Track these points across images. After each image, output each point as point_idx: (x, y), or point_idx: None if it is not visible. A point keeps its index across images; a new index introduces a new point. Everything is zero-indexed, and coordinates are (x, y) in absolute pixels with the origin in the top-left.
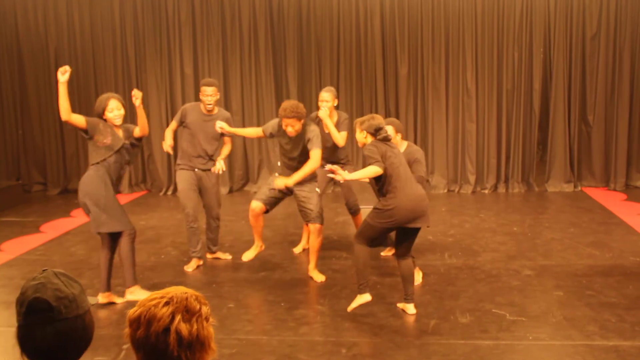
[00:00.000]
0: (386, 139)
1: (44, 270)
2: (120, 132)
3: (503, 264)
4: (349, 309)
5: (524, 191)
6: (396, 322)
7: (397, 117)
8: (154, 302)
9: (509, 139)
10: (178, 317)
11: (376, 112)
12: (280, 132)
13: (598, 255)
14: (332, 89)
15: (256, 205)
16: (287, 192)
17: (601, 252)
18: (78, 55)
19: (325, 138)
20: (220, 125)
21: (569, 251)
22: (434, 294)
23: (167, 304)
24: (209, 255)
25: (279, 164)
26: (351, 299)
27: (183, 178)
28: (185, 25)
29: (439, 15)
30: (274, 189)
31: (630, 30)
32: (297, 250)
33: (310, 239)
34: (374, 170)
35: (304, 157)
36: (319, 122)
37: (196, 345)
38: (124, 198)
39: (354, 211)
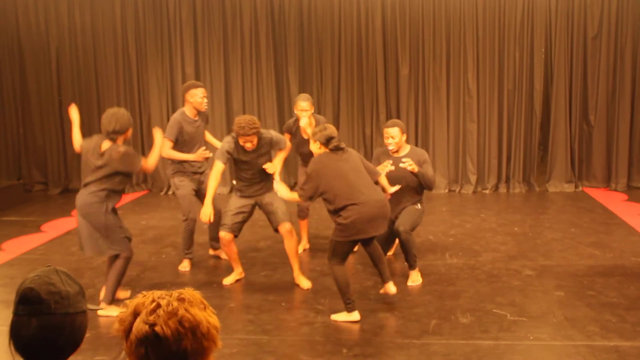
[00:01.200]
0: (337, 149)
1: (47, 266)
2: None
3: (504, 264)
4: (334, 318)
5: (525, 191)
6: (397, 322)
7: (398, 117)
8: (141, 301)
9: (510, 139)
10: (157, 320)
11: (377, 112)
12: (237, 150)
13: (599, 255)
14: (309, 96)
15: (224, 234)
16: (251, 206)
17: (602, 252)
18: (79, 55)
19: (305, 144)
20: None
21: (569, 251)
22: (434, 294)
23: (152, 303)
24: (211, 252)
25: (234, 182)
26: (353, 298)
27: (182, 184)
28: (187, 24)
29: (440, 15)
30: (237, 213)
31: (631, 30)
32: (299, 249)
33: (285, 243)
34: (296, 197)
35: (260, 168)
36: (297, 129)
37: (188, 333)
38: (125, 198)
39: (304, 214)
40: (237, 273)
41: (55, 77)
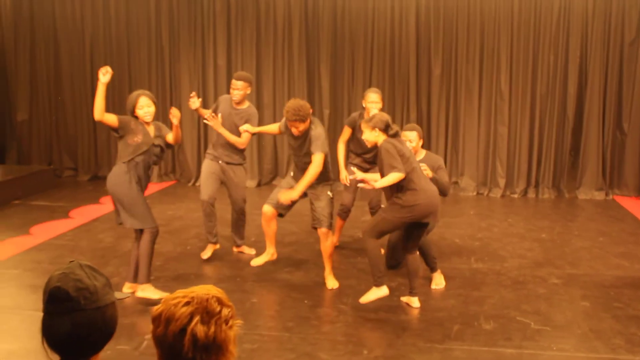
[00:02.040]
0: (397, 135)
1: (71, 261)
2: (151, 130)
3: (530, 271)
4: (363, 300)
5: (554, 197)
6: (419, 325)
7: (429, 117)
8: (175, 301)
9: (541, 143)
10: (196, 319)
11: (408, 112)
12: (288, 130)
13: (627, 266)
14: (379, 90)
15: (267, 209)
16: (302, 195)
17: (631, 263)
18: (113, 44)
19: None
20: (245, 128)
21: (597, 261)
22: (458, 299)
23: (187, 303)
24: (234, 249)
25: (292, 169)
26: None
27: (206, 166)
28: (220, 17)
29: (474, 16)
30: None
31: None
32: None
33: (320, 245)
34: (397, 176)
35: (309, 157)
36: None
37: (212, 348)
38: (153, 187)
39: (375, 211)
40: (269, 253)
41: (89, 66)
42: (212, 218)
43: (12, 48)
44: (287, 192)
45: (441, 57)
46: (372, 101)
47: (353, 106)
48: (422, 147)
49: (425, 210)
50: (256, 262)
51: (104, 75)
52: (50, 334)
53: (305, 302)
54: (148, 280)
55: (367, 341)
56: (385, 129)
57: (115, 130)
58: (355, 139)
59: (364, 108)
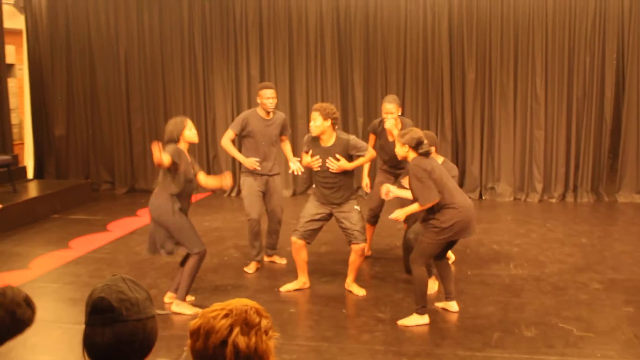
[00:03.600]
0: (427, 154)
1: (114, 274)
2: (190, 159)
3: (570, 277)
4: (402, 323)
5: (593, 201)
6: (459, 333)
7: (464, 123)
8: (213, 314)
9: (579, 147)
10: (236, 330)
11: (442, 118)
12: (313, 143)
13: None
14: (396, 97)
15: (295, 240)
16: (327, 215)
17: None
18: (147, 58)
19: (390, 147)
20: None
21: (639, 265)
22: (497, 305)
23: (226, 316)
24: (265, 259)
25: (314, 186)
26: (414, 308)
27: (248, 184)
28: (253, 28)
29: (508, 19)
30: (310, 220)
31: None
32: None
33: (351, 257)
34: (430, 204)
35: (342, 173)
36: (382, 130)
37: (254, 358)
38: None
39: (374, 221)
40: (300, 282)
41: (124, 80)
42: (259, 236)
43: (49, 64)
44: (334, 162)
45: (475, 61)
46: (387, 112)
47: None
48: (439, 153)
49: (464, 227)
50: (286, 288)
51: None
52: (92, 345)
53: (343, 311)
54: (184, 298)
55: (406, 350)
56: (416, 147)
57: (173, 166)
58: (379, 146)
59: (382, 117)
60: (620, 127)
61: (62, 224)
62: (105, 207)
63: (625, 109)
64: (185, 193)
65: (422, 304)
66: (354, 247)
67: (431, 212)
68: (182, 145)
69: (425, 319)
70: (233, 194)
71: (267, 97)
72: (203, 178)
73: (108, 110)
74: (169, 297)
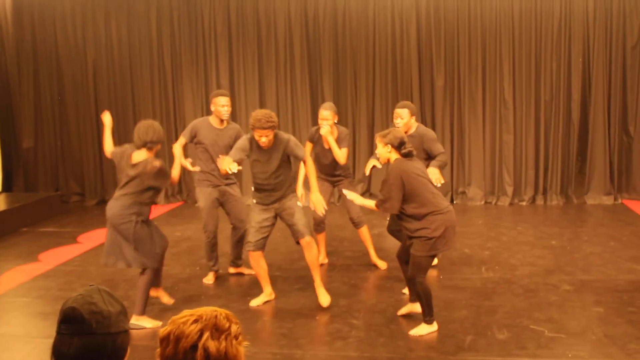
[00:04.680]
0: (409, 154)
1: (90, 285)
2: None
3: (541, 279)
4: (415, 334)
5: (563, 203)
6: (432, 337)
7: (433, 128)
8: (183, 320)
9: (547, 150)
10: (206, 334)
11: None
12: (252, 148)
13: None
14: (332, 105)
15: (252, 253)
16: (273, 218)
17: None
18: (115, 68)
19: (326, 155)
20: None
21: (609, 266)
22: (470, 309)
23: (196, 321)
24: (232, 270)
25: (252, 189)
26: (387, 313)
27: (203, 195)
28: (221, 36)
29: (475, 25)
30: (259, 228)
31: None
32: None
33: (305, 255)
34: (380, 208)
35: (280, 170)
36: (318, 138)
37: None
38: (161, 209)
39: (357, 223)
40: (267, 294)
41: (92, 90)
42: (215, 247)
43: (16, 76)
44: (318, 202)
45: (443, 67)
46: (323, 118)
47: (357, 121)
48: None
49: (452, 232)
50: (255, 302)
51: (107, 120)
52: (59, 354)
53: (317, 318)
54: (143, 312)
55: (379, 356)
56: (399, 146)
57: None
58: (315, 154)
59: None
60: (588, 129)
61: (32, 237)
62: (76, 219)
63: (592, 112)
64: (150, 203)
65: (431, 314)
66: (302, 242)
67: (419, 219)
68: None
69: (434, 327)
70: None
71: (222, 104)
72: (173, 174)
73: (77, 120)
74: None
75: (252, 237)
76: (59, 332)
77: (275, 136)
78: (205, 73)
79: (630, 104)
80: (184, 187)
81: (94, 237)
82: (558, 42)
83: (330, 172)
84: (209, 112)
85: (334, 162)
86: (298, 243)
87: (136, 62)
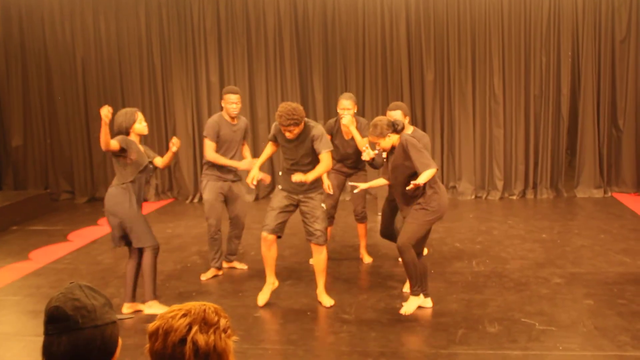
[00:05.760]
0: (403, 127)
1: (70, 282)
2: (142, 148)
3: (532, 272)
4: (405, 311)
5: (553, 197)
6: (424, 331)
7: (424, 123)
8: (172, 314)
9: (537, 144)
10: (195, 328)
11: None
12: (281, 133)
13: (629, 262)
14: (352, 95)
15: (267, 235)
16: (294, 207)
17: (632, 259)
18: (104, 65)
19: (348, 144)
20: (252, 176)
21: (599, 258)
22: (461, 303)
23: (184, 315)
24: (225, 265)
25: (280, 173)
26: (379, 308)
27: (210, 188)
28: (211, 33)
29: (465, 20)
30: (280, 212)
31: None
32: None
33: (313, 257)
34: (433, 172)
35: (308, 158)
36: (338, 129)
37: (213, 356)
38: (151, 206)
39: (361, 218)
40: (270, 284)
41: (82, 87)
42: (218, 242)
43: (4, 74)
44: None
45: (433, 62)
46: (344, 107)
47: None
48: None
49: (446, 208)
50: (262, 299)
51: (106, 114)
52: (50, 355)
53: (308, 314)
54: (154, 296)
55: (371, 350)
56: (394, 128)
57: (120, 151)
58: (335, 144)
59: (338, 114)
60: (577, 123)
61: (22, 235)
62: (66, 217)
63: (581, 106)
64: (139, 182)
65: (417, 286)
66: (313, 246)
67: (418, 194)
68: (133, 138)
69: (420, 300)
70: (195, 200)
71: (231, 102)
72: (160, 160)
73: (66, 118)
74: (128, 307)
75: (272, 220)
76: (46, 333)
77: (304, 125)
78: (195, 69)
79: (620, 97)
80: (175, 184)
81: (84, 235)
82: (547, 37)
83: (346, 164)
84: (199, 110)
85: (357, 153)
86: (309, 241)
87: (125, 59)
